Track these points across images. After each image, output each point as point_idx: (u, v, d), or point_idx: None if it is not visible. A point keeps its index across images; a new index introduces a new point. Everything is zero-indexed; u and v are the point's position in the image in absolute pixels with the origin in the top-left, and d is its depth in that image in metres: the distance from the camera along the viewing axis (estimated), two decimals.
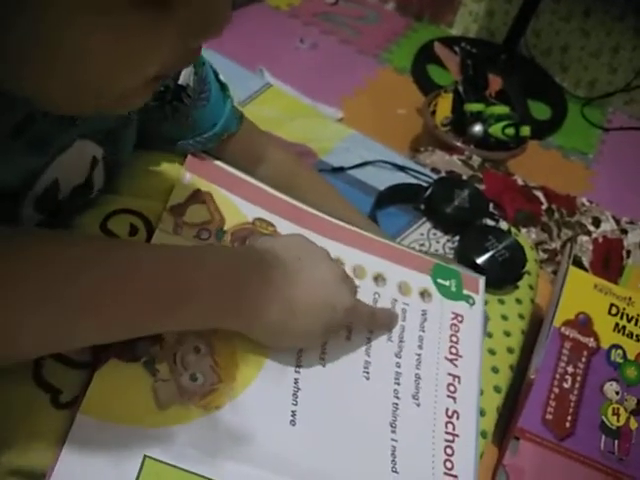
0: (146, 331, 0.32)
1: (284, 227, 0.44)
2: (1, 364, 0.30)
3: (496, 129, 1.04)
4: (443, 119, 1.09)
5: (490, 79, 1.14)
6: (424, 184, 0.63)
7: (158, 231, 0.38)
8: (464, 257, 0.53)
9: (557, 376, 0.49)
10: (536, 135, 1.21)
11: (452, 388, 0.41)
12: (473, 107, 1.07)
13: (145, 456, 0.31)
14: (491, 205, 0.62)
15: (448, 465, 0.38)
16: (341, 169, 0.65)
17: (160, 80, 0.28)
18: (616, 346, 0.52)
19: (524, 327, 0.51)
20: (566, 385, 0.49)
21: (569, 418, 0.48)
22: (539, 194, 0.86)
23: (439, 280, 0.46)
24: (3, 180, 0.31)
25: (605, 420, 0.48)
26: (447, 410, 0.40)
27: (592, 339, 0.52)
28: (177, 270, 0.32)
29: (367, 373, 0.40)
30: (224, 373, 0.35)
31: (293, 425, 0.36)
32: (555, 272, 0.71)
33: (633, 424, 0.49)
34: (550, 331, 0.51)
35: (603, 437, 0.48)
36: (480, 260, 0.52)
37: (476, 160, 0.91)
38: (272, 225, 0.43)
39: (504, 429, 0.47)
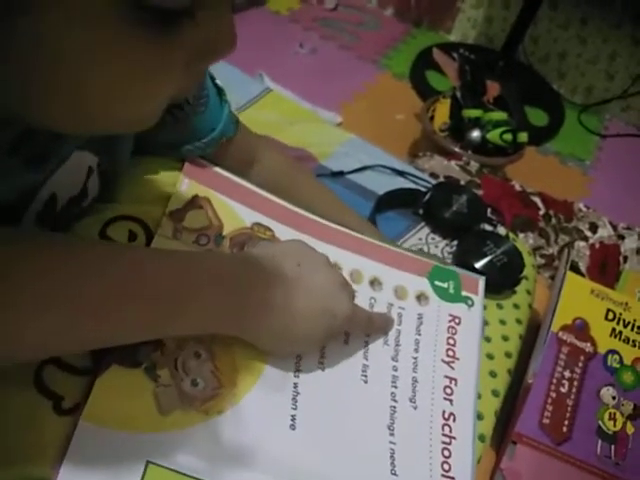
0: (148, 336, 0.32)
1: (282, 232, 0.44)
2: (5, 364, 0.30)
3: (494, 135, 1.05)
4: (441, 124, 1.10)
5: (488, 85, 1.15)
6: (423, 189, 0.63)
7: (157, 236, 0.38)
8: (462, 262, 0.53)
9: (554, 381, 0.49)
10: (534, 141, 1.22)
11: (449, 390, 0.42)
12: (471, 113, 1.07)
13: (148, 462, 0.31)
14: (489, 210, 0.63)
15: (445, 467, 0.38)
16: (340, 173, 0.66)
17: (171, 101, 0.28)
18: (613, 351, 0.52)
19: (522, 332, 0.52)
20: (563, 390, 0.49)
21: (566, 423, 0.48)
22: (537, 200, 0.86)
23: (436, 282, 0.47)
24: (1, 198, 0.31)
25: (602, 425, 0.48)
26: (444, 412, 0.41)
27: (589, 344, 0.52)
28: (179, 274, 0.32)
29: (365, 377, 0.40)
30: (225, 378, 0.36)
31: (293, 429, 0.36)
32: (552, 277, 0.72)
33: (629, 429, 0.49)
34: (547, 336, 0.51)
35: (600, 442, 0.48)
36: (478, 265, 0.52)
37: (474, 165, 0.92)
38: (270, 230, 0.44)
39: (502, 433, 0.47)
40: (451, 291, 0.47)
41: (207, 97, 0.43)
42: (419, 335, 0.43)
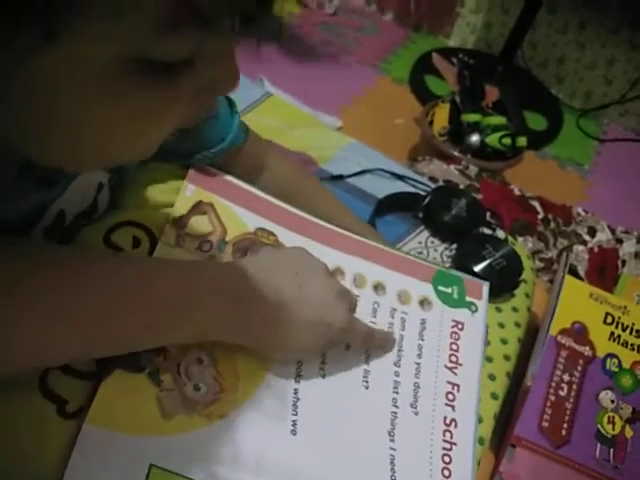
0: (151, 344, 0.33)
1: (285, 236, 0.44)
2: (16, 373, 0.30)
3: (493, 139, 1.05)
4: (440, 129, 1.10)
5: (487, 90, 1.15)
6: (422, 193, 0.64)
7: (160, 244, 0.39)
8: (462, 265, 0.53)
9: (553, 384, 0.50)
10: (532, 145, 1.22)
11: (451, 396, 0.42)
12: (470, 117, 1.08)
13: (151, 465, 0.32)
14: (488, 214, 0.63)
15: (446, 473, 0.38)
16: (340, 177, 0.66)
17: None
18: (611, 355, 0.52)
19: (521, 335, 0.52)
20: (562, 393, 0.49)
21: (565, 426, 0.48)
22: (535, 204, 0.87)
23: (440, 287, 0.46)
24: (10, 218, 0.32)
25: (600, 428, 0.49)
26: (445, 418, 0.41)
27: (588, 348, 0.52)
28: (181, 285, 0.33)
29: (366, 382, 0.40)
30: (226, 383, 0.36)
31: (294, 434, 0.36)
32: (551, 281, 0.72)
33: (628, 432, 0.49)
34: (546, 339, 0.51)
35: (598, 445, 0.48)
36: (477, 268, 0.52)
37: (473, 170, 0.92)
38: (274, 234, 0.44)
39: (501, 436, 0.48)
40: (455, 296, 0.47)
41: (218, 108, 0.43)
42: (422, 340, 0.43)
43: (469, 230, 0.59)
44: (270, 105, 0.82)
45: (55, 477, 0.30)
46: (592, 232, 0.84)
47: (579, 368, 0.51)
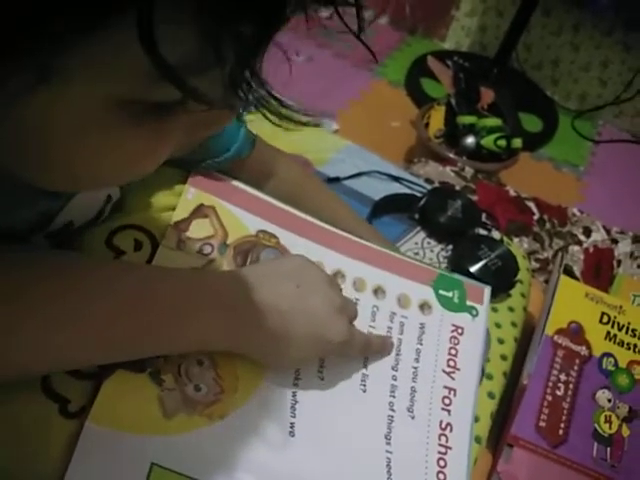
0: (150, 353, 0.33)
1: (287, 238, 0.44)
2: (18, 378, 0.30)
3: (488, 141, 1.06)
4: (436, 131, 1.10)
5: (482, 92, 1.16)
6: (418, 194, 0.64)
7: (161, 247, 0.39)
8: (457, 266, 0.53)
9: (550, 384, 0.50)
10: (528, 147, 1.22)
11: (447, 401, 0.42)
12: (465, 119, 1.08)
13: (152, 464, 0.32)
14: (484, 215, 0.63)
15: (441, 477, 0.39)
16: (337, 179, 0.66)
17: None
18: (607, 354, 0.52)
19: (517, 334, 0.52)
20: (559, 393, 0.49)
21: (562, 425, 0.48)
22: (531, 204, 0.87)
23: (441, 291, 0.46)
24: (17, 226, 0.32)
25: (597, 427, 0.49)
26: (441, 423, 0.41)
27: (584, 347, 0.52)
28: (180, 294, 0.33)
29: (364, 386, 0.40)
30: (226, 385, 0.36)
31: (292, 436, 0.36)
32: (547, 281, 0.72)
33: (625, 431, 0.49)
34: (542, 339, 0.52)
35: (596, 444, 0.48)
36: (473, 269, 0.53)
37: (469, 171, 0.93)
38: (275, 237, 0.43)
39: (498, 435, 0.48)
40: (455, 300, 0.46)
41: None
42: (420, 345, 0.43)
43: (465, 231, 0.59)
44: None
45: (57, 476, 0.30)
46: (587, 232, 0.85)
47: (575, 367, 0.51)
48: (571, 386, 0.50)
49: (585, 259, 0.79)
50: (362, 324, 0.42)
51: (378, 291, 0.45)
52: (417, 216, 0.61)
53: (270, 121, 0.23)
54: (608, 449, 0.48)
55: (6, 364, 0.28)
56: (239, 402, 0.36)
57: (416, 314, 0.45)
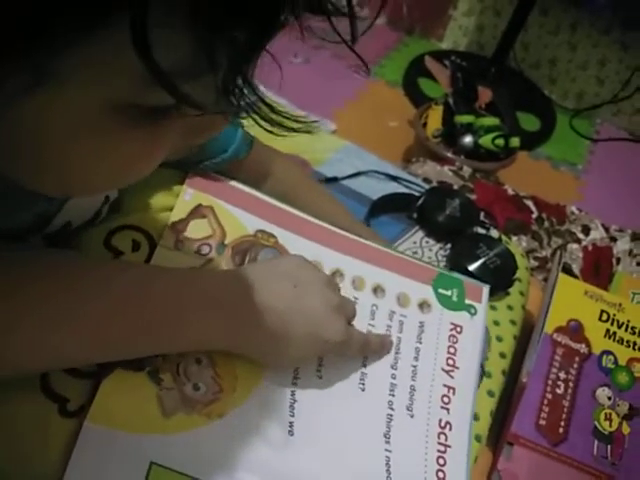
0: (146, 352, 0.33)
1: (286, 238, 0.44)
2: (15, 375, 0.30)
3: (486, 140, 1.06)
4: (434, 131, 1.10)
5: (480, 91, 1.16)
6: (416, 194, 0.64)
7: (159, 247, 0.39)
8: (456, 264, 0.53)
9: (550, 382, 0.50)
10: (525, 146, 1.23)
11: (446, 399, 0.42)
12: (463, 119, 1.09)
13: (151, 463, 0.32)
14: (482, 214, 0.63)
15: (440, 475, 0.39)
16: (335, 179, 0.66)
17: None
18: (607, 352, 0.52)
19: (516, 333, 0.52)
20: (559, 391, 0.49)
21: (562, 424, 0.48)
22: (529, 203, 0.87)
23: (440, 290, 0.46)
24: (16, 227, 0.32)
25: (598, 425, 0.49)
26: (440, 421, 0.41)
27: (583, 345, 0.52)
28: (176, 294, 0.33)
29: (363, 384, 0.40)
30: (225, 384, 0.36)
31: (291, 435, 0.36)
32: (546, 279, 0.72)
33: (625, 429, 0.49)
34: (542, 337, 0.52)
35: (596, 442, 0.48)
36: (472, 267, 0.53)
37: (467, 171, 0.93)
38: (273, 236, 0.43)
39: (498, 433, 0.48)
40: (454, 299, 0.46)
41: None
42: (420, 343, 0.43)
43: (463, 230, 0.59)
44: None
45: (56, 476, 0.30)
46: (586, 230, 0.85)
47: (575, 365, 0.51)
48: (571, 384, 0.50)
49: (584, 257, 0.79)
50: (361, 323, 0.42)
51: (377, 290, 0.45)
52: (415, 215, 0.61)
53: (262, 127, 0.24)
54: (608, 447, 0.48)
55: (2, 362, 0.28)
56: (238, 401, 0.36)
57: (415, 313, 0.45)
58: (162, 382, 0.34)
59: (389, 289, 0.45)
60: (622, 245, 0.82)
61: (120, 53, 0.18)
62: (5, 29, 0.17)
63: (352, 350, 0.39)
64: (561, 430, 0.48)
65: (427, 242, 0.59)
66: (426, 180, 0.84)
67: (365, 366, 0.41)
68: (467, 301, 0.47)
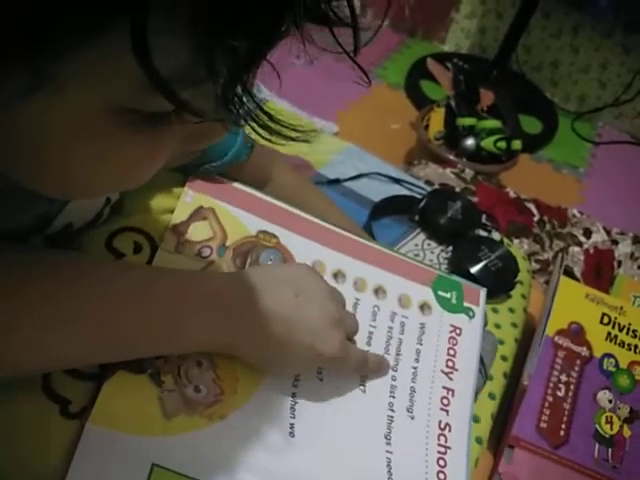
0: (146, 353, 0.33)
1: (287, 238, 0.44)
2: (15, 375, 0.30)
3: (488, 143, 1.06)
4: (436, 133, 1.11)
5: (482, 94, 1.16)
6: (418, 196, 0.64)
7: (160, 251, 0.39)
8: (458, 267, 0.54)
9: (551, 385, 0.50)
10: (527, 149, 1.23)
11: (446, 401, 0.42)
12: (465, 121, 1.09)
13: (153, 465, 0.32)
14: (484, 216, 0.63)
15: (441, 477, 0.39)
16: (337, 181, 0.66)
17: None
18: (608, 355, 0.52)
19: (517, 335, 0.52)
20: (560, 394, 0.49)
21: (563, 426, 0.48)
22: (531, 206, 0.87)
23: (440, 292, 0.46)
24: (17, 228, 0.32)
25: (599, 428, 0.49)
26: (440, 423, 0.41)
27: (585, 348, 0.52)
28: (176, 296, 0.33)
29: (363, 386, 0.40)
30: (226, 386, 0.36)
31: (292, 437, 0.36)
32: (547, 282, 0.72)
33: (626, 432, 0.49)
34: (543, 340, 0.52)
35: (597, 445, 0.48)
36: (474, 270, 0.53)
37: (469, 173, 0.93)
38: (275, 237, 0.43)
39: (499, 436, 0.48)
40: (453, 301, 0.47)
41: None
42: (420, 345, 0.43)
43: (465, 232, 0.59)
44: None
45: (57, 477, 0.30)
46: (588, 233, 0.85)
47: (576, 368, 0.51)
48: (572, 387, 0.50)
49: (585, 260, 0.79)
50: (363, 324, 0.42)
51: (379, 291, 0.45)
52: (417, 218, 0.61)
53: (260, 136, 0.24)
54: (609, 450, 0.48)
55: (2, 362, 0.28)
56: (239, 403, 0.36)
57: (416, 314, 0.45)
58: (163, 384, 0.34)
59: (390, 290, 0.45)
60: (623, 248, 0.82)
61: (120, 58, 0.18)
62: (5, 31, 0.17)
63: (348, 367, 0.39)
64: (562, 433, 0.48)
65: (429, 244, 0.59)
66: (428, 182, 0.84)
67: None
68: (465, 304, 0.47)
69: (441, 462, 0.39)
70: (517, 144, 1.07)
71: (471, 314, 0.47)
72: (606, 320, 0.54)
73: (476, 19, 1.55)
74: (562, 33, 1.45)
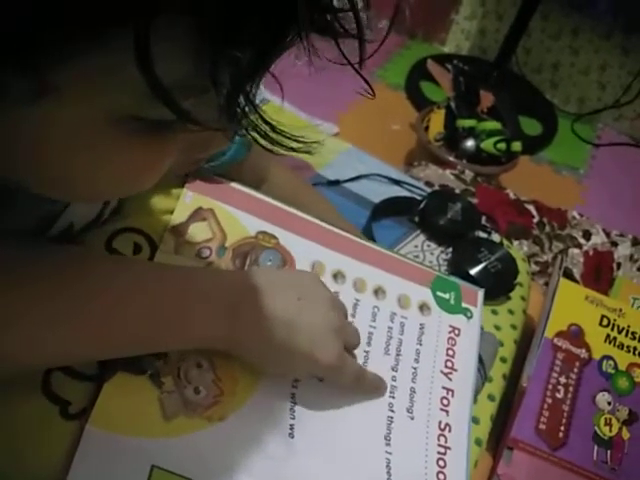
0: (145, 350, 0.33)
1: (287, 239, 0.44)
2: (14, 371, 0.30)
3: (488, 144, 1.06)
4: (436, 134, 1.11)
5: (482, 95, 1.16)
6: (418, 197, 0.64)
7: (159, 252, 0.39)
8: (457, 268, 0.54)
9: (550, 386, 0.50)
10: (527, 150, 1.23)
11: (445, 401, 0.42)
12: (465, 123, 1.09)
13: (153, 466, 0.32)
14: (483, 218, 0.63)
15: (441, 477, 0.39)
16: (337, 182, 0.66)
17: None
18: (607, 357, 0.53)
19: (517, 337, 0.52)
20: (559, 395, 0.50)
21: (562, 428, 0.48)
22: (531, 208, 0.87)
23: (439, 293, 0.47)
24: (20, 228, 0.32)
25: (598, 430, 0.49)
26: (440, 423, 0.41)
27: (584, 350, 0.52)
28: (176, 294, 0.33)
29: None
30: (225, 387, 0.36)
31: (292, 438, 0.36)
32: (547, 284, 0.72)
33: (625, 434, 0.49)
34: (542, 342, 0.52)
35: (596, 447, 0.48)
36: (473, 271, 0.53)
37: (468, 174, 0.93)
38: (275, 237, 0.43)
39: (498, 437, 0.48)
40: (452, 302, 0.47)
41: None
42: (420, 345, 0.44)
43: (465, 234, 0.59)
44: (268, 111, 0.83)
45: (58, 478, 0.30)
46: (587, 235, 0.85)
47: (575, 370, 0.51)
48: (571, 389, 0.50)
49: (585, 262, 0.79)
50: (363, 324, 0.42)
51: (378, 292, 0.45)
52: (417, 219, 0.61)
53: (261, 146, 0.24)
54: (608, 452, 0.48)
55: (1, 358, 0.28)
56: (238, 404, 0.36)
57: (416, 315, 0.45)
58: (163, 385, 0.34)
59: (390, 291, 0.45)
60: (623, 250, 0.82)
61: (123, 67, 0.18)
62: (5, 39, 0.17)
63: (344, 379, 0.38)
64: (561, 435, 0.48)
65: (428, 246, 0.59)
66: (428, 184, 0.84)
67: (366, 368, 0.41)
68: (464, 304, 0.47)
69: (441, 462, 0.39)
70: (517, 146, 1.07)
71: (469, 315, 0.47)
72: (605, 322, 0.54)
73: (476, 21, 1.55)
74: (562, 35, 1.46)
